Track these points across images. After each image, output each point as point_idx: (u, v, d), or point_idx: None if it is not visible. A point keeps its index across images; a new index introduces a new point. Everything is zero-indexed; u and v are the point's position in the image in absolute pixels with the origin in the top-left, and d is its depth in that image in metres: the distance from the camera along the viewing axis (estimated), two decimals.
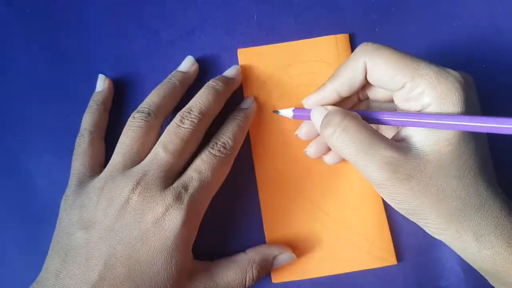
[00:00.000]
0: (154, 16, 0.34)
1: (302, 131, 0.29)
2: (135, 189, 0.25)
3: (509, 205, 0.23)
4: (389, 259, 0.29)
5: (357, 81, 0.26)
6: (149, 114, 0.28)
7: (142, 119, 0.28)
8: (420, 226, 0.24)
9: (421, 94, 0.23)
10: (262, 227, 0.30)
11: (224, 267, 0.27)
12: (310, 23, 0.33)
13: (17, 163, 0.32)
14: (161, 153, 0.26)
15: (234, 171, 0.29)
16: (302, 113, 0.28)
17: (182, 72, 0.31)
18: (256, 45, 0.33)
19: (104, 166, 0.28)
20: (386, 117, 0.24)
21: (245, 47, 0.33)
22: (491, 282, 0.25)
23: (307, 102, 0.28)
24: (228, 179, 0.28)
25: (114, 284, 0.23)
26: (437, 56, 0.32)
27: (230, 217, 0.31)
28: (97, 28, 0.33)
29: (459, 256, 0.29)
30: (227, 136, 0.28)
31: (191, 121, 0.27)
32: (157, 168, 0.26)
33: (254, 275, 0.27)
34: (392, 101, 0.26)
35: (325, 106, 0.26)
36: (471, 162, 0.23)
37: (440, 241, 0.29)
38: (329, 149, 0.30)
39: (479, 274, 0.25)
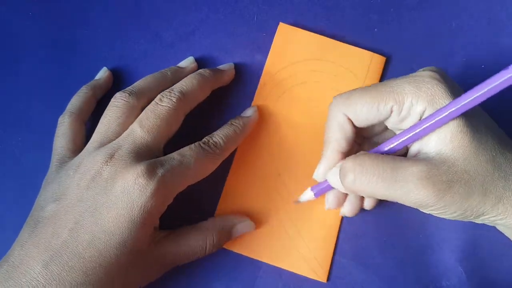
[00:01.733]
0: (154, 17, 0.34)
1: (330, 202, 0.28)
2: (108, 162, 0.25)
3: None
4: (319, 274, 0.29)
5: (348, 133, 0.26)
6: (130, 94, 0.28)
7: (122, 99, 0.27)
8: (478, 222, 0.24)
9: (410, 107, 0.23)
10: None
11: (186, 232, 0.27)
12: (310, 23, 0.33)
13: (17, 163, 0.31)
14: (136, 129, 0.26)
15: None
16: (320, 187, 0.28)
17: (179, 67, 0.31)
18: (256, 45, 0.33)
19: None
20: (392, 144, 0.24)
21: (245, 47, 0.33)
22: None
23: (317, 176, 0.28)
24: None
25: (76, 252, 0.23)
26: (436, 56, 0.32)
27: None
28: (97, 28, 0.33)
29: (459, 256, 0.29)
30: (220, 137, 0.28)
31: (169, 99, 0.27)
32: (131, 143, 0.26)
33: (214, 241, 0.27)
34: (387, 129, 0.27)
35: (335, 167, 0.26)
36: (491, 141, 0.23)
37: (441, 241, 0.30)
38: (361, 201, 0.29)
39: (481, 273, 0.25)
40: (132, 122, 0.27)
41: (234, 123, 0.29)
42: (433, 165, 0.22)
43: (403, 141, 0.24)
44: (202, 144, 0.27)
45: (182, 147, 0.27)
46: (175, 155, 0.26)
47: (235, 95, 0.32)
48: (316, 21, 0.33)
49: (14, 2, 0.34)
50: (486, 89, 0.21)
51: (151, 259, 0.25)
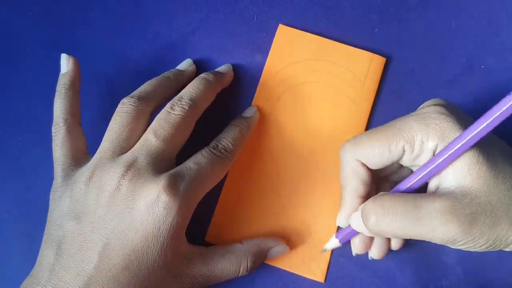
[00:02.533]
0: (154, 17, 0.34)
1: (357, 246, 0.28)
2: (125, 175, 0.24)
3: None
4: (317, 274, 0.29)
5: (364, 176, 0.26)
6: (138, 99, 0.27)
7: (131, 104, 0.27)
8: (508, 250, 0.24)
9: (422, 144, 0.23)
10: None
11: (220, 255, 0.27)
12: (310, 23, 0.33)
13: (17, 163, 0.31)
14: (151, 138, 0.26)
15: None
16: (344, 232, 0.27)
17: (179, 70, 0.31)
18: (256, 45, 0.33)
19: (88, 153, 0.28)
20: (410, 183, 0.24)
21: (245, 47, 0.33)
22: None
23: (340, 222, 0.27)
24: None
25: (111, 275, 0.23)
26: (436, 57, 0.32)
27: None
28: (97, 28, 0.33)
29: (459, 256, 0.29)
30: (228, 140, 0.28)
31: (181, 107, 0.27)
32: (147, 154, 0.25)
33: (248, 266, 0.27)
34: (400, 167, 0.27)
35: (356, 212, 0.26)
36: (508, 168, 0.23)
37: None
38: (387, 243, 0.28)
39: (479, 274, 0.25)
40: (141, 128, 0.27)
41: (239, 124, 0.29)
42: (455, 199, 0.22)
43: (420, 178, 0.24)
44: (213, 150, 0.27)
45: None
46: (191, 164, 0.25)
47: (235, 95, 0.32)
48: (316, 21, 0.33)
49: (14, 2, 0.34)
50: (494, 117, 0.21)
51: (183, 278, 0.25)
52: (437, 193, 0.23)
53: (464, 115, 0.25)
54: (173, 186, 0.24)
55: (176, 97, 0.28)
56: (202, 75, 0.29)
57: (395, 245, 0.28)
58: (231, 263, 0.26)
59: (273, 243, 0.28)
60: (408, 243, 0.30)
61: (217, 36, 0.33)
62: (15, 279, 0.30)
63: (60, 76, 0.29)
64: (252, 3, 0.33)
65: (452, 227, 0.21)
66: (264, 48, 0.33)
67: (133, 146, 0.26)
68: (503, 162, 0.23)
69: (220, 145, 0.27)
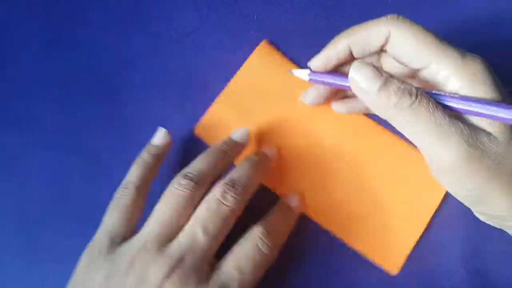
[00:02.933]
0: (155, 17, 0.34)
1: (309, 97, 0.27)
2: (169, 277, 0.22)
3: None
4: (391, 264, 0.29)
5: (375, 45, 0.23)
6: (197, 183, 0.25)
7: (188, 189, 0.25)
8: (481, 215, 0.23)
9: (448, 78, 0.22)
10: None
11: None
12: (310, 23, 0.33)
13: (16, 163, 0.31)
14: (200, 236, 0.24)
15: None
16: (321, 78, 0.25)
17: (236, 142, 0.29)
18: (256, 44, 0.32)
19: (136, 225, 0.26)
20: (450, 101, 0.22)
21: (245, 47, 0.32)
22: None
23: (314, 62, 0.26)
24: None
25: None
26: None
27: None
28: (97, 28, 0.33)
29: (462, 256, 0.29)
30: (277, 228, 0.26)
31: (234, 197, 0.25)
32: (195, 254, 0.23)
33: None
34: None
35: (373, 68, 0.22)
36: None
37: (443, 241, 0.29)
38: (329, 99, 0.28)
39: (483, 275, 0.25)
40: (191, 212, 0.25)
41: (284, 212, 0.28)
42: (477, 133, 0.21)
43: (474, 111, 0.21)
44: (259, 243, 0.25)
45: None
46: (233, 271, 0.24)
47: None
48: (316, 21, 0.33)
49: (14, 2, 0.34)
50: None
51: None
52: (464, 117, 0.22)
53: (499, 80, 0.23)
54: None
55: (229, 181, 0.25)
56: (251, 156, 0.28)
57: (342, 108, 0.28)
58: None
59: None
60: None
61: (217, 36, 0.33)
62: (15, 279, 0.30)
63: (150, 145, 0.28)
64: (252, 2, 0.33)
65: (460, 152, 0.20)
66: None
67: (180, 230, 0.25)
68: None
69: (268, 234, 0.25)
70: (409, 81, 0.23)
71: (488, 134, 0.21)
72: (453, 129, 0.20)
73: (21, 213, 0.31)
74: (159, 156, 0.28)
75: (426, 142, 0.21)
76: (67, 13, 0.34)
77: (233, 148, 0.28)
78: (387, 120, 0.22)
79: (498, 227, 0.24)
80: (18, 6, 0.34)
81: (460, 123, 0.21)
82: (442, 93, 0.22)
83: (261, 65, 0.32)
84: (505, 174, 0.21)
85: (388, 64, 0.26)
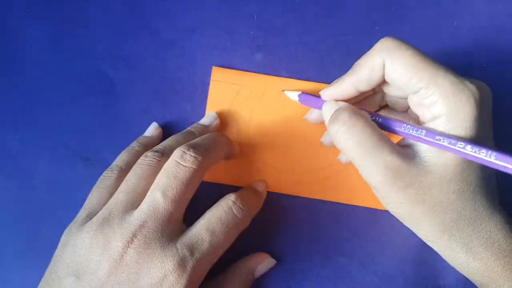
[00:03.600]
0: (154, 16, 0.34)
1: (313, 117, 0.30)
2: (131, 243, 0.23)
3: (505, 220, 0.23)
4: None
5: (375, 77, 0.24)
6: (163, 154, 0.26)
7: (154, 158, 0.26)
8: (413, 231, 0.24)
9: (434, 104, 0.22)
10: None
11: None
12: (311, 22, 0.33)
13: (16, 163, 0.32)
14: (159, 200, 0.24)
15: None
16: (309, 101, 0.28)
17: (203, 125, 0.30)
18: (256, 44, 0.32)
19: None
20: (394, 126, 0.24)
21: (245, 46, 0.33)
22: None
23: (324, 94, 0.27)
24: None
25: None
26: (437, 56, 0.32)
27: None
28: (97, 28, 0.33)
29: None
30: (249, 196, 0.27)
31: (194, 157, 0.24)
32: (155, 218, 0.23)
33: None
34: (406, 98, 0.26)
35: (337, 102, 0.26)
36: (472, 178, 0.23)
37: None
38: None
39: None
40: None
41: (254, 191, 0.29)
42: (408, 163, 0.22)
43: (407, 134, 0.23)
44: (234, 207, 0.25)
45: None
46: (203, 233, 0.24)
47: None
48: (316, 21, 0.33)
49: (14, 2, 0.34)
50: (495, 162, 0.21)
51: None
52: (400, 149, 0.23)
53: (490, 116, 0.24)
54: (181, 268, 0.23)
55: (188, 144, 0.25)
56: (218, 134, 0.29)
57: (344, 159, 0.30)
58: None
59: (257, 261, 0.29)
60: (405, 243, 0.30)
61: (217, 35, 0.33)
62: (14, 279, 0.30)
63: (140, 136, 0.30)
64: (252, 2, 0.33)
65: (382, 180, 0.22)
66: (264, 47, 0.32)
67: None
68: (471, 174, 0.23)
69: (242, 199, 0.26)
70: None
71: (424, 166, 0.22)
72: (382, 156, 0.22)
73: (21, 213, 0.31)
74: (148, 147, 0.29)
75: (357, 164, 0.23)
76: (67, 13, 0.34)
77: (200, 129, 0.30)
78: (334, 143, 0.25)
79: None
80: (18, 6, 0.34)
81: (392, 152, 0.22)
82: (390, 119, 0.24)
83: (223, 89, 0.32)
84: (429, 204, 0.22)
85: (389, 90, 0.27)
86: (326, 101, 0.27)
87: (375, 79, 0.25)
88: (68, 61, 0.33)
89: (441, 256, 0.29)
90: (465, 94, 0.22)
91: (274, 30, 0.33)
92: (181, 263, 0.23)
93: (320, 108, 0.27)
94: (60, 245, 0.25)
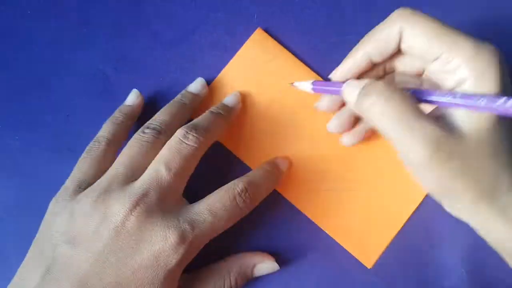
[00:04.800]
0: (154, 17, 0.34)
1: (324, 103, 0.28)
2: (133, 210, 0.23)
3: None
4: (367, 259, 0.29)
5: (391, 46, 0.24)
6: (160, 132, 0.27)
7: (152, 135, 0.26)
8: (448, 208, 0.24)
9: (458, 67, 0.22)
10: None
11: (204, 277, 0.27)
12: (311, 22, 0.33)
13: (16, 163, 0.32)
14: (162, 171, 0.24)
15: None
16: (323, 86, 0.27)
17: (193, 93, 0.30)
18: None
19: None
20: (427, 95, 0.23)
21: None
22: None
23: (336, 74, 0.26)
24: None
25: None
26: None
27: None
28: (97, 28, 0.33)
29: (462, 256, 0.29)
30: (254, 184, 0.26)
31: (195, 137, 0.25)
32: (158, 188, 0.24)
33: (232, 283, 0.27)
34: (420, 75, 0.26)
35: (359, 80, 0.24)
36: (506, 142, 0.22)
37: (442, 241, 0.29)
38: (350, 127, 0.29)
39: (482, 274, 0.25)
40: (155, 156, 0.26)
41: (268, 168, 0.28)
42: (448, 133, 0.21)
43: (446, 102, 0.22)
44: (238, 198, 0.25)
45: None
46: (206, 214, 0.24)
47: None
48: (316, 20, 0.33)
49: (14, 2, 0.34)
50: None
51: None
52: (441, 117, 0.23)
53: (507, 75, 0.23)
54: (181, 240, 0.23)
55: (190, 124, 0.26)
56: (216, 109, 0.29)
57: (349, 140, 0.29)
58: (214, 282, 0.26)
59: (258, 259, 0.28)
60: (408, 244, 0.30)
61: (217, 35, 0.33)
62: None
63: (122, 106, 0.30)
64: (252, 2, 0.33)
65: (425, 152, 0.21)
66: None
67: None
68: (503, 136, 0.22)
69: (247, 192, 0.26)
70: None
71: (460, 134, 0.22)
72: (422, 128, 0.21)
73: (22, 213, 0.31)
74: (130, 116, 0.30)
75: (396, 138, 0.22)
76: (67, 13, 0.34)
77: (191, 99, 0.30)
78: (366, 119, 0.24)
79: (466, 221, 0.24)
80: (18, 6, 0.34)
81: (431, 123, 0.21)
82: (423, 90, 0.23)
83: (255, 52, 0.32)
84: (471, 174, 0.22)
85: (401, 63, 0.26)
86: (342, 83, 0.25)
87: (390, 48, 0.24)
88: (69, 62, 0.33)
89: (444, 256, 0.29)
90: (488, 55, 0.21)
91: (274, 30, 0.33)
92: (182, 236, 0.23)
93: (337, 92, 0.26)
94: (48, 214, 0.25)
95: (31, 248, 0.25)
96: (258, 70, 0.32)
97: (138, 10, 0.34)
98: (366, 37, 0.25)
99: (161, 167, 0.25)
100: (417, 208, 0.30)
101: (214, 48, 0.33)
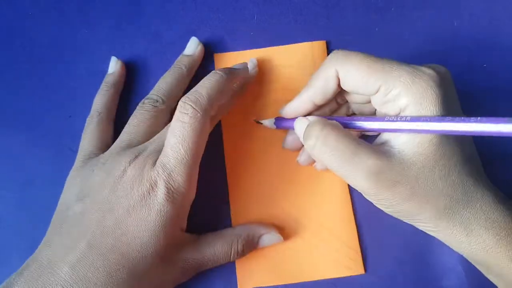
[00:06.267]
0: (155, 17, 0.34)
1: (288, 142, 0.30)
2: (132, 162, 0.25)
3: (498, 198, 0.23)
4: (356, 268, 0.29)
5: (330, 89, 0.26)
6: (157, 101, 0.29)
7: (150, 105, 0.29)
8: (413, 225, 0.25)
9: (397, 96, 0.23)
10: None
11: (211, 240, 0.27)
12: (310, 23, 0.33)
13: (18, 164, 0.32)
14: (165, 133, 0.27)
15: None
16: (284, 123, 0.29)
17: (188, 56, 0.31)
18: (256, 46, 0.33)
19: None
20: (364, 124, 0.24)
21: (245, 47, 0.33)
22: (486, 274, 0.25)
23: (284, 112, 0.28)
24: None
25: (101, 253, 0.23)
26: (437, 56, 0.32)
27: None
28: (98, 29, 0.33)
29: (460, 255, 0.29)
30: (199, 93, 0.25)
31: (193, 109, 0.25)
32: (155, 144, 0.26)
33: (239, 249, 0.27)
34: (369, 102, 0.27)
35: (307, 117, 0.26)
36: (455, 160, 0.23)
37: (440, 241, 0.29)
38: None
39: (481, 274, 0.25)
40: (160, 125, 0.29)
41: (219, 72, 0.27)
42: (389, 162, 0.22)
43: (375, 128, 0.24)
44: (179, 115, 0.25)
45: None
46: (167, 149, 0.25)
47: None
48: (316, 21, 0.33)
49: (14, 2, 0.34)
50: (475, 128, 0.20)
51: (175, 263, 0.26)
52: (377, 149, 0.23)
53: (454, 93, 0.24)
54: (160, 179, 0.24)
55: (192, 94, 0.25)
56: (219, 71, 0.27)
57: (320, 166, 0.29)
58: (222, 246, 0.27)
59: (264, 230, 0.29)
60: (407, 243, 0.30)
61: (217, 36, 0.33)
62: None
63: (106, 75, 0.32)
64: (252, 2, 0.33)
65: (368, 184, 0.22)
66: (264, 47, 0.32)
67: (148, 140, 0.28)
68: (454, 155, 0.23)
69: (188, 102, 0.25)
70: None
71: (404, 160, 0.22)
72: (361, 162, 0.22)
73: (24, 214, 0.31)
74: (116, 85, 0.32)
75: (340, 174, 0.24)
76: (67, 13, 0.34)
77: (186, 62, 0.31)
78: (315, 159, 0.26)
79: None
80: (18, 6, 0.34)
81: (370, 155, 0.22)
82: (357, 118, 0.25)
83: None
84: (420, 196, 0.22)
85: (349, 97, 0.28)
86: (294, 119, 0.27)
87: (329, 91, 0.26)
88: (69, 62, 0.33)
89: (443, 256, 0.29)
90: (425, 80, 0.22)
91: (274, 31, 0.33)
92: (159, 175, 0.24)
93: (292, 128, 0.27)
94: (65, 185, 0.28)
95: (52, 219, 0.27)
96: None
97: (138, 10, 0.34)
98: (308, 82, 0.27)
99: (165, 131, 0.27)
100: None
101: (214, 49, 0.33)
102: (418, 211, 0.23)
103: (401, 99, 0.23)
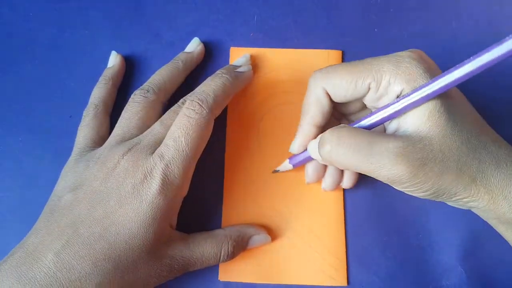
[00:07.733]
0: (155, 18, 0.34)
1: (309, 173, 0.29)
2: (125, 155, 0.25)
3: None
4: (338, 279, 0.29)
5: (326, 106, 0.26)
6: (148, 91, 0.29)
7: (141, 95, 0.29)
8: (451, 204, 0.24)
9: (388, 85, 0.23)
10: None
11: (201, 239, 0.27)
12: (310, 23, 0.33)
13: (18, 164, 0.31)
14: (157, 126, 0.27)
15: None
16: (298, 158, 0.28)
17: (187, 52, 0.32)
18: (256, 45, 0.33)
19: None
20: (370, 118, 0.24)
21: (242, 48, 0.33)
22: None
23: (293, 149, 0.28)
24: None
25: (87, 242, 0.23)
26: (437, 56, 0.32)
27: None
28: (98, 29, 0.33)
29: (460, 255, 0.29)
30: (206, 93, 0.26)
31: (200, 106, 0.26)
32: (150, 137, 0.26)
33: (229, 250, 0.27)
34: (365, 107, 0.27)
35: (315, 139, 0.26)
36: (466, 124, 0.23)
37: (441, 241, 0.30)
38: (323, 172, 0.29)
39: (481, 273, 0.25)
40: (151, 118, 0.28)
41: (224, 75, 0.28)
42: (409, 142, 0.22)
43: (381, 118, 0.24)
44: (186, 111, 0.26)
45: None
46: (168, 141, 0.25)
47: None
48: (316, 21, 0.33)
49: (14, 2, 0.34)
50: (464, 71, 0.21)
51: (162, 259, 0.25)
52: (393, 134, 0.23)
53: (436, 66, 0.25)
54: (154, 170, 0.24)
55: (198, 94, 0.26)
56: (221, 73, 0.28)
57: (347, 182, 0.29)
58: (211, 247, 0.27)
59: (255, 231, 0.29)
60: (407, 243, 0.30)
61: (217, 36, 0.33)
62: None
63: (105, 69, 0.32)
64: (252, 3, 0.33)
65: (400, 168, 0.22)
66: (264, 48, 0.33)
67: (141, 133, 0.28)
68: (463, 116, 0.23)
69: (195, 99, 0.26)
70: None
71: (420, 138, 0.22)
72: (384, 150, 0.22)
73: (25, 214, 0.31)
74: (114, 78, 0.32)
75: (364, 170, 0.23)
76: (67, 13, 0.34)
77: (184, 58, 0.31)
78: (336, 166, 0.25)
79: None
80: (18, 6, 0.34)
81: (389, 139, 0.22)
82: (359, 120, 0.25)
83: None
84: (452, 166, 0.22)
85: (346, 108, 0.28)
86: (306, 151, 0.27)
87: (326, 108, 0.26)
88: (70, 63, 0.33)
89: (443, 256, 0.29)
90: (406, 60, 0.23)
91: (274, 31, 0.33)
92: (154, 166, 0.25)
93: (309, 159, 0.28)
94: (60, 177, 0.28)
95: (43, 210, 0.26)
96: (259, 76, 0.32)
97: (138, 10, 0.34)
98: (302, 112, 0.27)
99: (156, 124, 0.27)
100: (417, 208, 0.30)
101: (214, 49, 0.33)
102: (455, 183, 0.22)
103: (393, 87, 0.23)
